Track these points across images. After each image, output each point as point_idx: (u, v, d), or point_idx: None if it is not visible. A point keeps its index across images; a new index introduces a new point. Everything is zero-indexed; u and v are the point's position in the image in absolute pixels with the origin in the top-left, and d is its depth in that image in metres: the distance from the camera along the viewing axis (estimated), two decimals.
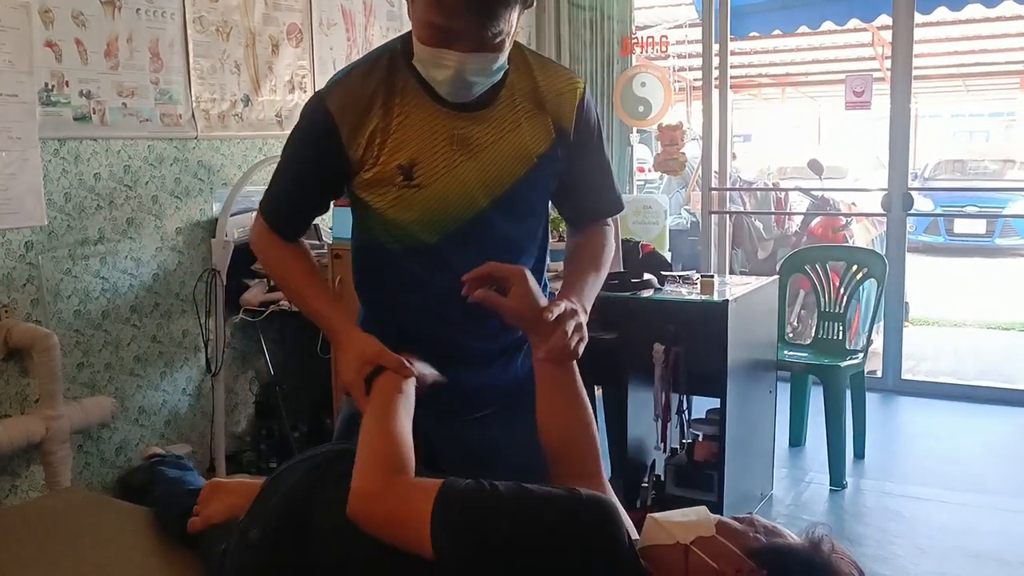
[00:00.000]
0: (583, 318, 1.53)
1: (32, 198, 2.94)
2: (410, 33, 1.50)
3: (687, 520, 1.30)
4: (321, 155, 1.56)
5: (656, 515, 1.32)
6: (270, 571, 1.41)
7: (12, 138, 2.86)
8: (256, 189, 3.75)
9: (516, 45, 1.54)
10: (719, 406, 3.21)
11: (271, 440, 3.79)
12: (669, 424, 3.31)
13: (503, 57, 1.45)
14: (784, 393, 3.96)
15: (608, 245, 1.73)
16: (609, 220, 1.77)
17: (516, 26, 1.43)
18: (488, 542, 1.20)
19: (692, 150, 6.14)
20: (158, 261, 3.40)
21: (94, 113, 3.13)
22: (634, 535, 1.32)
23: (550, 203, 1.73)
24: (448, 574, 1.21)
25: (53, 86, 2.99)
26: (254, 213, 3.88)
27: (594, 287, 1.65)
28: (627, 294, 3.22)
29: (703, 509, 1.32)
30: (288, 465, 1.58)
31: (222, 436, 3.55)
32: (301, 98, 3.93)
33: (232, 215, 3.54)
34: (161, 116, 3.36)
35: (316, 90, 1.67)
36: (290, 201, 1.65)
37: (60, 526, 2.07)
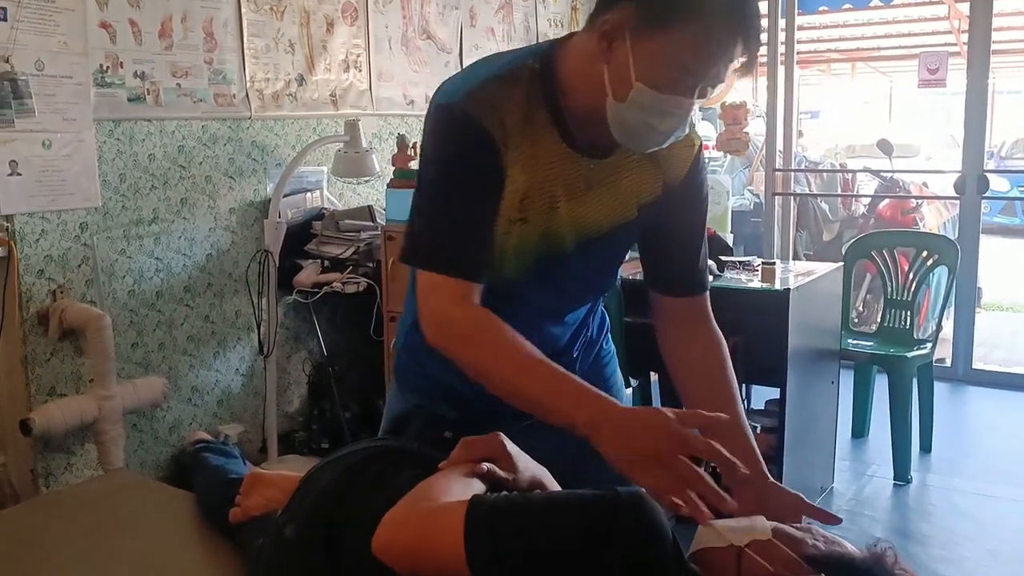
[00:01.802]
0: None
1: (87, 179, 2.95)
2: (550, 55, 1.39)
3: (742, 524, 1.24)
4: (485, 171, 1.37)
5: (710, 521, 1.24)
6: (304, 570, 1.38)
7: (67, 119, 2.87)
8: (309, 169, 3.74)
9: None
10: (779, 396, 3.11)
11: (323, 421, 3.79)
12: None
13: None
14: (847, 383, 3.84)
15: (727, 360, 1.56)
16: (710, 314, 1.58)
17: None
18: (527, 553, 1.14)
19: (757, 128, 5.97)
20: (211, 241, 3.40)
21: (148, 94, 3.12)
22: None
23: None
24: None
25: (108, 67, 2.99)
26: (307, 194, 3.81)
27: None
28: None
29: (760, 517, 1.26)
30: (326, 461, 1.54)
31: (274, 416, 3.55)
32: (356, 77, 3.89)
33: (285, 196, 3.52)
34: (215, 96, 3.35)
35: (435, 94, 1.41)
36: (472, 236, 1.39)
37: (106, 509, 2.08)
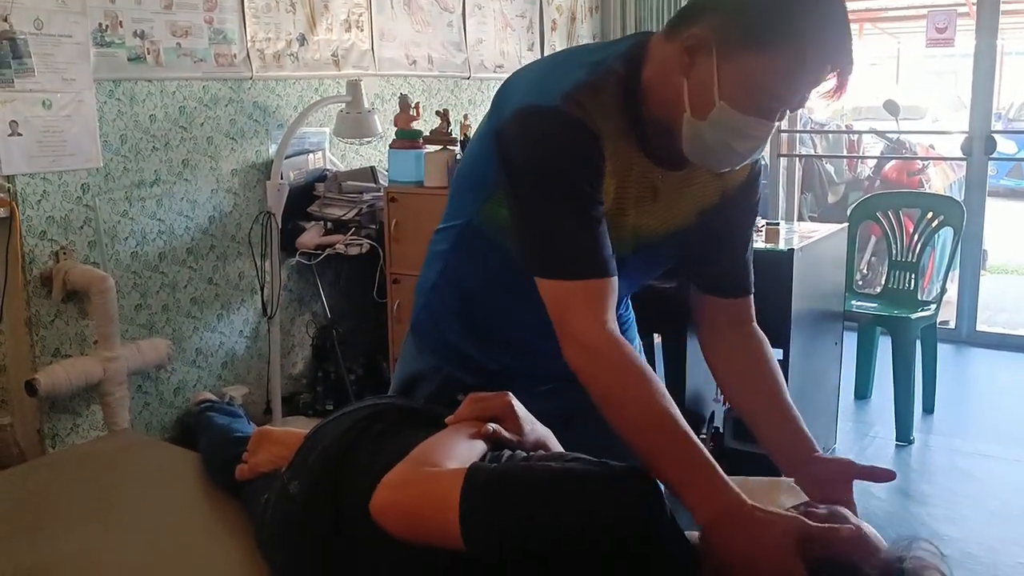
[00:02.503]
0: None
1: (88, 140, 2.93)
2: (635, 61, 1.35)
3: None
4: (598, 173, 1.34)
5: (730, 481, 1.22)
6: (308, 525, 1.39)
7: (66, 79, 2.85)
8: (311, 131, 3.72)
9: None
10: (782, 357, 3.11)
11: (327, 382, 3.80)
12: None
13: None
14: (851, 345, 3.84)
15: (774, 365, 1.52)
16: (754, 317, 1.56)
17: None
18: (519, 527, 1.13)
19: None
20: (214, 203, 3.39)
21: (148, 53, 3.10)
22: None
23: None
24: (479, 558, 1.15)
25: (107, 26, 2.96)
26: (309, 155, 3.80)
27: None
28: None
29: (786, 483, 1.22)
30: (331, 419, 1.54)
31: (278, 378, 3.56)
32: (358, 37, 3.86)
33: (287, 157, 3.50)
34: (215, 56, 3.32)
35: (512, 94, 1.38)
36: (598, 236, 1.34)
37: (112, 468, 2.09)
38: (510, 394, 1.39)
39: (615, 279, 1.34)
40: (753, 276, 1.56)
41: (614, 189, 1.37)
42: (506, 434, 1.34)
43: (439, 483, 1.18)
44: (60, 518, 1.82)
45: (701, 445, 1.21)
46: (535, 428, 1.39)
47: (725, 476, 1.18)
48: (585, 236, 1.32)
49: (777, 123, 1.30)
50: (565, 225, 1.31)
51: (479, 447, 1.30)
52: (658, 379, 1.28)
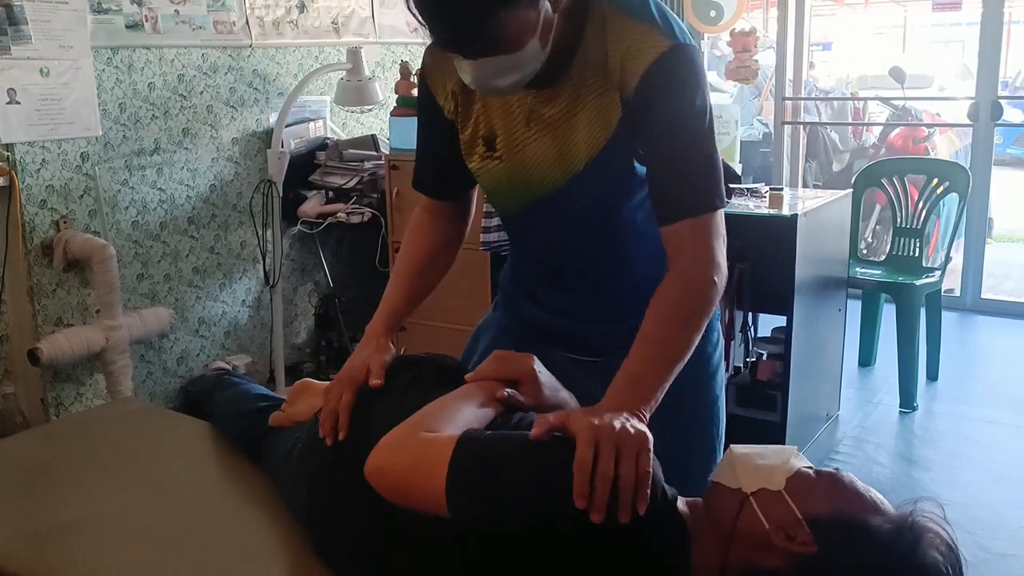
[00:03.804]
0: (620, 425, 1.13)
1: (87, 108, 2.92)
2: None
3: (763, 463, 1.18)
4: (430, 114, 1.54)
5: (736, 448, 1.21)
6: (335, 468, 1.38)
7: (64, 47, 2.83)
8: (312, 99, 3.69)
9: (596, 5, 1.34)
10: (785, 324, 3.10)
11: (331, 351, 3.81)
12: (732, 342, 3.21)
13: (528, 55, 1.26)
14: (855, 312, 3.82)
15: (679, 301, 1.32)
16: (697, 262, 1.34)
17: (540, 19, 1.24)
18: (505, 495, 1.11)
19: (768, 59, 5.87)
20: (214, 172, 3.38)
21: (146, 21, 3.07)
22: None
23: None
24: (465, 527, 1.14)
25: None
26: (309, 123, 3.78)
27: (649, 375, 1.27)
28: None
29: (789, 451, 1.19)
30: None
31: (281, 347, 3.56)
32: (358, 4, 3.82)
33: (288, 126, 3.48)
34: (214, 23, 3.29)
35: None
36: (430, 167, 1.62)
37: (115, 435, 2.09)
38: (534, 357, 1.37)
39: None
40: (712, 188, 1.36)
41: (490, 118, 1.45)
42: (521, 399, 1.33)
43: (431, 449, 1.17)
44: (63, 484, 1.82)
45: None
46: (558, 394, 1.37)
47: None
48: (423, 161, 1.60)
49: (480, 59, 1.25)
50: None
51: (485, 414, 1.28)
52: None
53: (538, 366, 1.36)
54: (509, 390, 1.32)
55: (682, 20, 5.03)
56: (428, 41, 1.30)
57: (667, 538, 1.16)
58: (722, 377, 1.63)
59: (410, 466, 1.18)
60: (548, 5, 1.25)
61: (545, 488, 1.10)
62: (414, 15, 1.23)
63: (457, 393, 1.31)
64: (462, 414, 1.25)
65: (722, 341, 1.69)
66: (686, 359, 1.30)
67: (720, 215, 1.36)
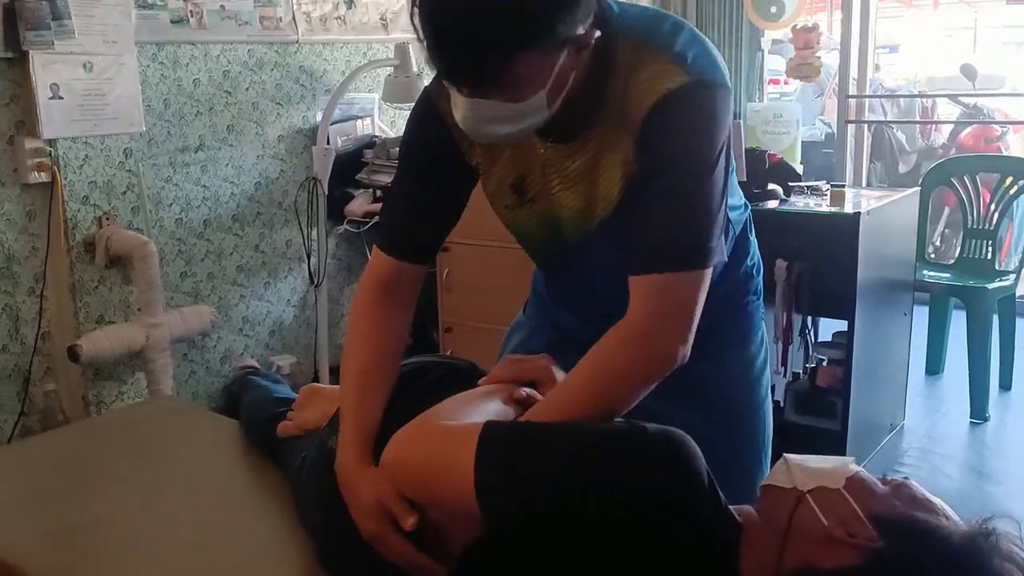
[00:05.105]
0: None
1: (130, 104, 2.89)
2: None
3: (818, 467, 1.10)
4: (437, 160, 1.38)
5: (791, 456, 1.14)
6: None
7: (108, 42, 2.81)
8: (360, 96, 3.64)
9: (623, 43, 1.22)
10: (846, 329, 2.95)
11: None
12: (791, 347, 3.07)
13: (530, 108, 1.15)
14: (922, 317, 3.64)
15: (628, 366, 1.18)
16: (662, 331, 1.19)
17: (554, 71, 1.13)
18: (542, 488, 1.04)
19: (832, 60, 5.68)
20: (259, 169, 3.34)
21: (191, 16, 3.04)
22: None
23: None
24: (492, 525, 1.05)
25: None
26: (357, 121, 3.71)
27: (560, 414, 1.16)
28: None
29: (848, 460, 1.12)
30: None
31: (326, 348, 3.51)
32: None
33: (335, 123, 3.43)
34: (260, 19, 3.26)
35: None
36: (417, 226, 1.43)
37: (150, 432, 2.07)
38: (550, 357, 1.31)
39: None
40: (668, 251, 1.20)
41: (514, 168, 1.34)
42: (540, 398, 1.25)
43: (455, 435, 1.09)
44: (87, 482, 1.80)
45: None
46: None
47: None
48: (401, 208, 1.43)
49: (478, 99, 1.16)
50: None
51: (505, 412, 1.21)
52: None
53: (555, 367, 1.28)
54: (527, 390, 1.24)
55: (741, 16, 4.86)
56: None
57: (716, 533, 1.07)
58: (768, 380, 1.55)
59: (433, 453, 1.10)
60: (567, 58, 1.13)
61: (584, 470, 1.03)
62: (415, 30, 1.13)
63: (474, 391, 1.23)
64: (481, 409, 1.17)
65: (767, 342, 1.59)
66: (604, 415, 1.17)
67: (701, 279, 1.19)
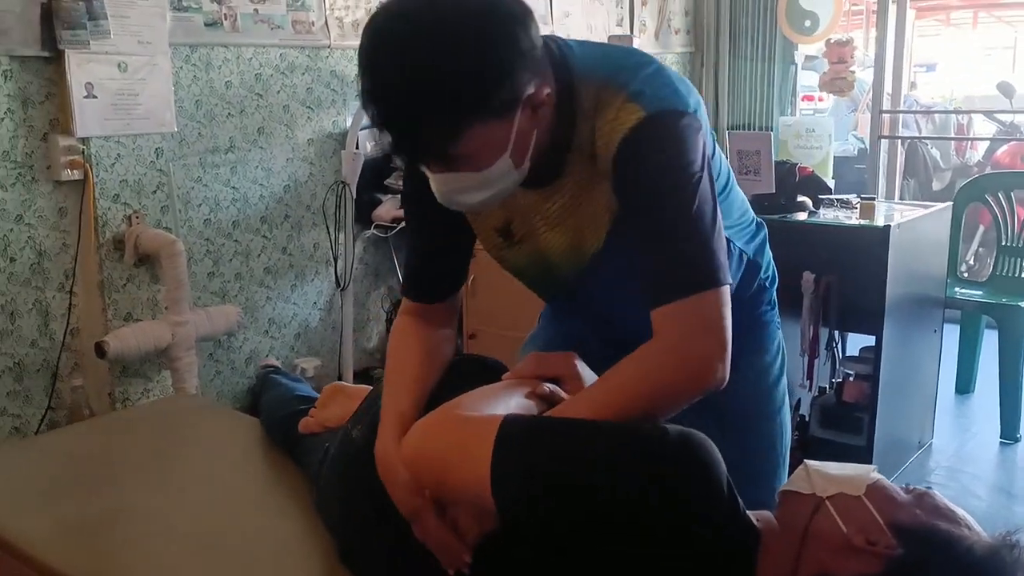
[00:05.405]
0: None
1: (162, 104, 2.92)
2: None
3: (839, 473, 1.09)
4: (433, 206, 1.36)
5: (811, 462, 1.12)
6: (368, 469, 1.31)
7: (142, 43, 2.84)
8: None
9: (584, 87, 1.22)
10: (874, 344, 2.91)
11: None
12: (817, 361, 3.03)
13: (496, 173, 1.16)
14: (953, 334, 3.59)
15: (659, 370, 1.17)
16: (663, 335, 1.18)
17: (512, 134, 1.13)
18: (556, 491, 1.03)
19: (867, 76, 5.63)
20: (288, 172, 3.36)
21: (225, 19, 3.07)
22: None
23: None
24: (512, 519, 1.05)
25: None
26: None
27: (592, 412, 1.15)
28: (775, 217, 2.93)
29: (869, 468, 1.10)
30: None
31: (350, 351, 3.52)
32: None
33: (363, 128, 3.45)
34: (293, 23, 3.28)
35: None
36: (430, 269, 1.45)
37: (167, 430, 2.08)
38: (575, 354, 1.30)
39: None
40: (682, 277, 1.19)
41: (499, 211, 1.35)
42: (563, 395, 1.24)
43: (474, 427, 1.08)
44: (105, 478, 1.80)
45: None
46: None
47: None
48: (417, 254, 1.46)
49: (442, 173, 1.18)
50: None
51: (527, 406, 1.20)
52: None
53: (579, 363, 1.27)
54: (551, 385, 1.22)
55: (775, 30, 4.81)
56: None
57: (734, 537, 1.05)
58: (784, 388, 1.55)
59: (451, 445, 1.10)
60: (524, 119, 1.13)
61: (599, 467, 1.02)
62: (367, 115, 1.14)
63: (497, 384, 1.22)
64: (503, 402, 1.16)
65: (784, 351, 1.59)
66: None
67: (719, 296, 1.17)
